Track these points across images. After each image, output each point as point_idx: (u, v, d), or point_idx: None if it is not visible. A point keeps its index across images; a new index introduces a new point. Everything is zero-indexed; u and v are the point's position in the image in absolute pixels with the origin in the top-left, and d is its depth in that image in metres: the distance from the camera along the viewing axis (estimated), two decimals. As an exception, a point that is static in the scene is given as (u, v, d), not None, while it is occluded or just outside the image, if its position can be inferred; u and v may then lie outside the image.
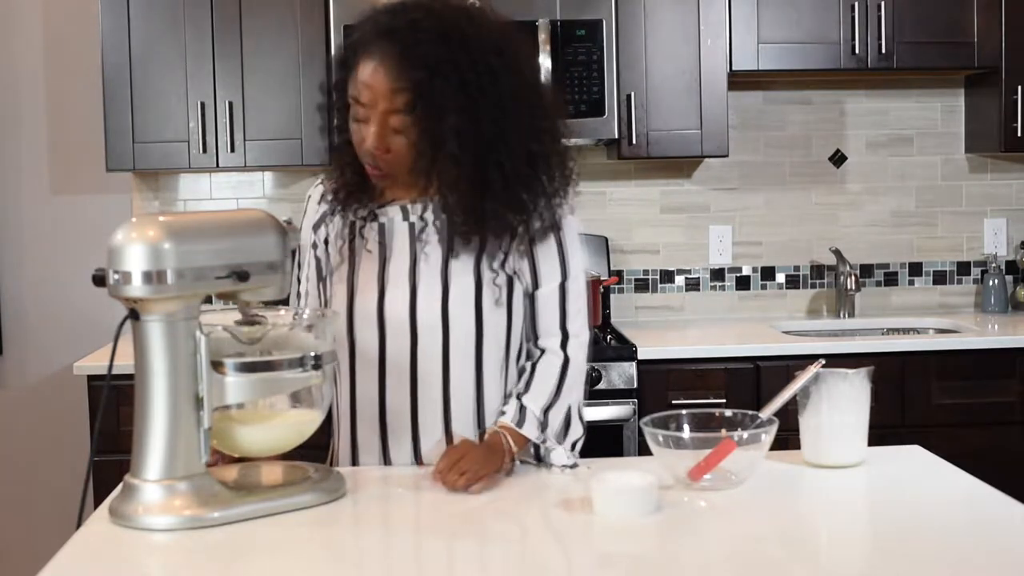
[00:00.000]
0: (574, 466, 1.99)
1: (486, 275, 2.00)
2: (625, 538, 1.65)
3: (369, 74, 1.89)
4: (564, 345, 2.06)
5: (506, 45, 1.94)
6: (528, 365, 2.07)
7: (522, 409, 2.00)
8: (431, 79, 1.85)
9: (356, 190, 2.02)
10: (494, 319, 2.01)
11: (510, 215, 1.95)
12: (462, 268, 1.99)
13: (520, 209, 1.96)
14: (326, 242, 2.07)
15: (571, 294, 2.06)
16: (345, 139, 1.99)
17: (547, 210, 1.99)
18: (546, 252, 2.03)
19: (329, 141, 2.04)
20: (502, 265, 2.01)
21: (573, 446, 2.06)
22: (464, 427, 2.02)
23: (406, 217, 2.02)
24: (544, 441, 2.00)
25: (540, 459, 2.02)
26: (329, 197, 2.06)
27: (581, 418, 2.08)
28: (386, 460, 2.03)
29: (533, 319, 2.06)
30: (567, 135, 2.04)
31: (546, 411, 2.01)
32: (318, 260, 2.09)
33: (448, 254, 1.99)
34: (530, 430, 1.99)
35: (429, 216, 2.01)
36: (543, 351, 2.06)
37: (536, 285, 2.04)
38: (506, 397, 2.05)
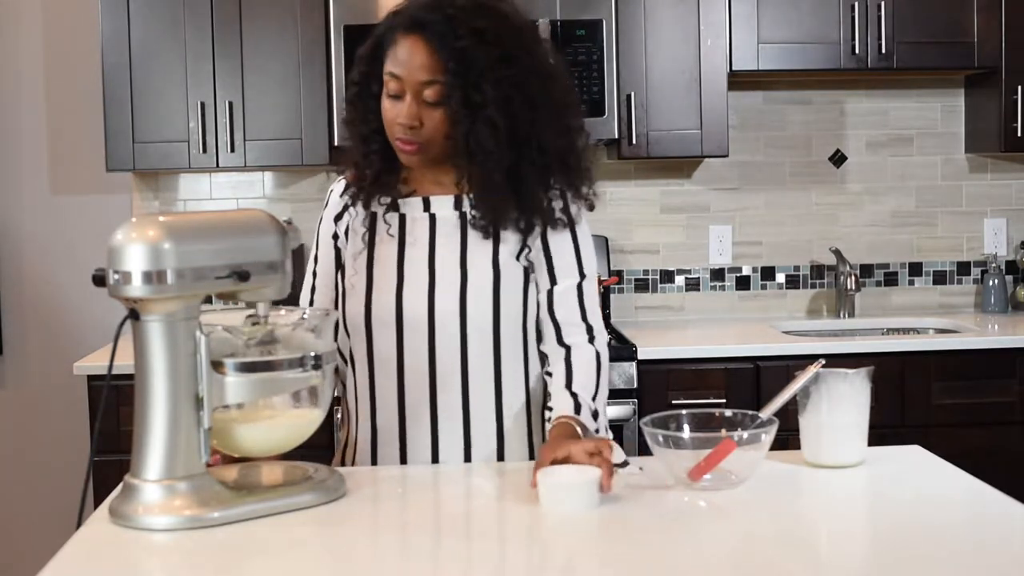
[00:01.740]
0: (625, 464, 1.93)
1: (504, 266, 2.01)
2: (625, 538, 1.65)
3: (407, 50, 1.93)
4: (592, 342, 2.06)
5: (534, 43, 2.01)
6: (561, 361, 2.03)
7: (574, 396, 1.97)
8: (465, 73, 1.91)
9: (381, 180, 2.04)
10: (512, 309, 2.02)
11: (535, 210, 2.00)
12: (481, 260, 2.01)
13: (543, 204, 2.01)
14: (347, 232, 2.09)
15: (588, 294, 2.07)
16: (372, 128, 2.00)
17: (566, 209, 2.04)
18: (561, 248, 2.05)
19: (357, 133, 2.04)
20: (517, 257, 2.03)
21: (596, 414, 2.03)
22: (484, 422, 2.03)
23: (427, 208, 2.04)
24: (598, 431, 1.99)
25: None
26: (352, 189, 2.07)
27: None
28: (404, 455, 2.04)
29: (552, 316, 2.06)
30: (587, 132, 2.09)
31: (594, 399, 2.00)
32: (338, 250, 2.11)
33: (466, 246, 2.01)
34: (587, 419, 1.96)
35: (450, 209, 2.03)
36: (569, 347, 2.04)
37: (553, 281, 2.05)
38: (546, 392, 2.03)
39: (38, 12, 4.02)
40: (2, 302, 4.07)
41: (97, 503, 1.88)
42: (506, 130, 1.93)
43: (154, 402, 1.67)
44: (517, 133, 1.95)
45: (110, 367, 1.73)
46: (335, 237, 2.11)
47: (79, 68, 3.98)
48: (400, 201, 2.05)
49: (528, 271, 2.04)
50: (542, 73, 1.99)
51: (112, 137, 3.67)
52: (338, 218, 2.11)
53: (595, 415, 1.98)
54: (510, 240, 2.03)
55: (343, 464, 2.11)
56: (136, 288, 1.63)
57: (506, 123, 1.93)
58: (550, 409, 1.99)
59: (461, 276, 2.01)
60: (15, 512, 4.08)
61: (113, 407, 3.16)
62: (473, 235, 2.03)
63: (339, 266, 2.11)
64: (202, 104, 3.67)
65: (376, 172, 2.03)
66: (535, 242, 2.04)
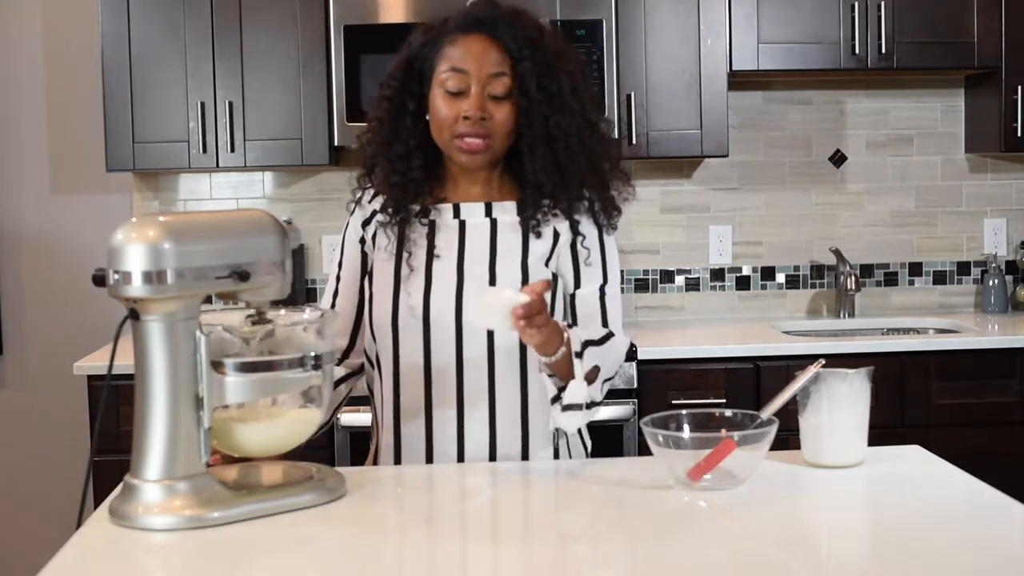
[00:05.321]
0: (589, 406, 1.91)
1: (533, 271, 2.01)
2: (625, 538, 1.65)
3: (473, 45, 1.99)
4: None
5: (577, 57, 2.11)
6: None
7: (568, 327, 1.95)
8: (536, 61, 1.98)
9: (413, 188, 2.05)
10: None
11: (572, 203, 2.04)
12: (509, 265, 2.01)
13: (579, 200, 2.04)
14: (374, 237, 2.09)
15: (610, 299, 2.07)
16: (413, 146, 2.03)
17: (594, 213, 2.06)
18: (589, 253, 2.06)
19: (392, 153, 2.06)
20: (546, 263, 2.03)
21: (590, 405, 1.96)
22: (510, 425, 2.02)
23: (457, 215, 2.05)
24: (580, 355, 1.92)
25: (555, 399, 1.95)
26: (383, 197, 2.08)
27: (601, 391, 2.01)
28: (430, 459, 2.03)
29: (574, 319, 2.06)
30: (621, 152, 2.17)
31: (584, 345, 1.94)
32: (364, 255, 2.12)
33: (495, 252, 2.02)
34: (575, 343, 1.91)
35: (481, 216, 2.04)
36: None
37: (577, 284, 2.06)
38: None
39: (38, 12, 4.02)
40: (2, 302, 4.07)
41: (97, 503, 1.88)
42: (581, 116, 2.01)
43: (154, 402, 1.67)
44: (571, 136, 2.01)
45: (110, 367, 1.73)
46: (362, 241, 2.12)
47: (79, 68, 3.98)
48: (430, 208, 2.07)
49: (557, 278, 2.05)
50: (586, 88, 2.10)
51: (112, 137, 3.67)
52: (366, 223, 2.12)
53: (580, 353, 1.91)
54: (540, 246, 2.03)
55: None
56: (136, 288, 1.64)
57: (564, 125, 2.00)
58: None
59: (490, 281, 2.01)
60: (15, 512, 4.08)
61: (113, 407, 3.17)
62: (503, 242, 2.03)
63: (364, 270, 2.12)
64: (202, 104, 3.67)
65: (418, 190, 2.05)
66: (564, 247, 2.04)
